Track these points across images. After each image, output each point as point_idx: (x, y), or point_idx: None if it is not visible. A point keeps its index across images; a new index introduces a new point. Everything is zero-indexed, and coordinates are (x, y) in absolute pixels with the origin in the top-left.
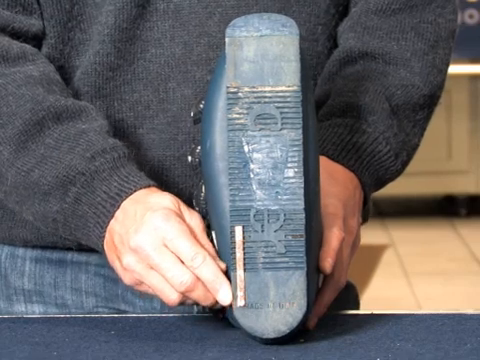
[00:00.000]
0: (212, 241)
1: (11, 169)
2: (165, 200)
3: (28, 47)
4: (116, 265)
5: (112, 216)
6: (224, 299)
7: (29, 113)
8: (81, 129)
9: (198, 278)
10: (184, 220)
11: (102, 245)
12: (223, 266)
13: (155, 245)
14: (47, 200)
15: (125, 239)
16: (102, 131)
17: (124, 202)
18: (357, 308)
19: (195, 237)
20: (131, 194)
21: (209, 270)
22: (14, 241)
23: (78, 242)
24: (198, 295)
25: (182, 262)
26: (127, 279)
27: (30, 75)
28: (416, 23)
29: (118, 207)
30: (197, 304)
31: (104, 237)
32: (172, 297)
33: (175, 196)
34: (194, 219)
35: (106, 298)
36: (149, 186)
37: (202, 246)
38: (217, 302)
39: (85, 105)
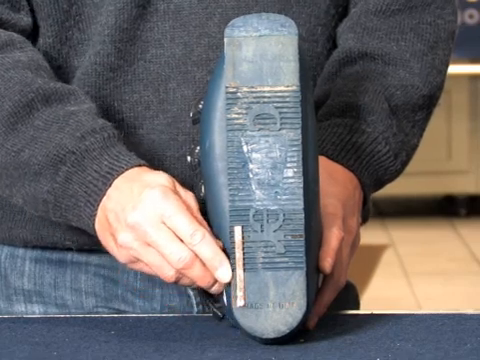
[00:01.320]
0: None
1: (1, 150)
2: (161, 178)
3: (16, 35)
4: (110, 243)
5: (104, 194)
6: (223, 276)
7: (18, 95)
8: (70, 111)
9: (196, 256)
10: (181, 197)
11: (93, 224)
12: (221, 245)
13: (153, 222)
14: (37, 180)
15: (121, 216)
16: (91, 113)
17: (116, 180)
18: (357, 308)
19: (193, 214)
20: (123, 172)
21: (208, 247)
22: (14, 241)
23: (69, 224)
24: (195, 273)
25: (180, 240)
26: (122, 257)
27: (18, 60)
28: (415, 24)
29: (110, 185)
30: (193, 286)
31: (96, 216)
32: (169, 274)
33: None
34: (189, 198)
35: (106, 298)
36: (140, 165)
37: (200, 224)
38: (214, 283)
39: (74, 88)
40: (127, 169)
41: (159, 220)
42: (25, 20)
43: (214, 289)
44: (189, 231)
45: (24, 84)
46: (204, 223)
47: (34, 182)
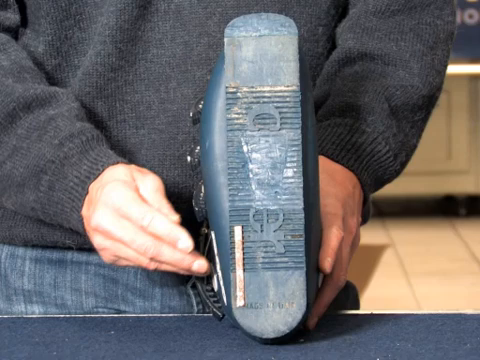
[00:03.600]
0: (211, 241)
1: None
2: (116, 172)
3: (0, 35)
4: (95, 247)
5: (84, 200)
6: (186, 245)
7: None
8: (50, 115)
9: (161, 240)
10: (137, 186)
11: (83, 229)
12: (175, 218)
13: (113, 219)
14: (22, 191)
15: (87, 221)
16: (70, 115)
17: (91, 184)
18: (357, 308)
19: (144, 199)
20: (98, 175)
21: (161, 225)
22: (14, 241)
23: (62, 225)
24: (168, 257)
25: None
26: (105, 258)
27: (0, 66)
28: (415, 24)
29: (88, 191)
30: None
31: (82, 221)
32: (145, 263)
33: (129, 164)
34: (146, 180)
35: (106, 298)
36: (117, 163)
37: (152, 205)
38: (191, 263)
39: (55, 91)
40: (103, 170)
41: (118, 215)
42: (12, 18)
43: (196, 267)
44: (139, 216)
45: (5, 94)
46: (161, 203)
47: (19, 193)
